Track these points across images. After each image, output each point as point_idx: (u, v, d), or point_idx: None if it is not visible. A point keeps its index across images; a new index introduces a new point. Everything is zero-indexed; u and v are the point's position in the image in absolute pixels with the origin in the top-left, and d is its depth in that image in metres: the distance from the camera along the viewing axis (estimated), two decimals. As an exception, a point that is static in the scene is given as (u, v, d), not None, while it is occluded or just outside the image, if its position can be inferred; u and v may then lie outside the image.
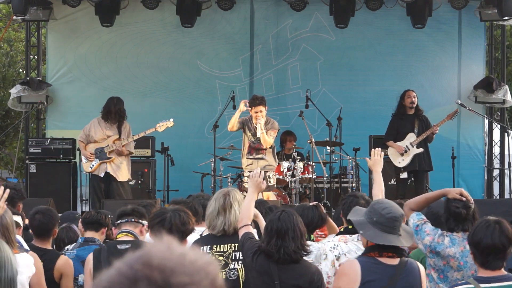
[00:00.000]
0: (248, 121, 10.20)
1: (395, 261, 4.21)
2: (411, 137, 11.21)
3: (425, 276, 4.37)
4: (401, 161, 11.21)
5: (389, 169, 12.11)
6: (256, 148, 10.20)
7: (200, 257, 1.60)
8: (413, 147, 11.18)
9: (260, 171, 5.09)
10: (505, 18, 12.25)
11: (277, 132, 10.36)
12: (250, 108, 10.05)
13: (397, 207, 4.31)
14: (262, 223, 5.33)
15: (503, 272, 4.02)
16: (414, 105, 11.23)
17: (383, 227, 4.19)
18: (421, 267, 4.34)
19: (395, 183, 11.90)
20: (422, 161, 11.21)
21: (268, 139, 10.04)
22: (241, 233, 4.83)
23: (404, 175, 11.26)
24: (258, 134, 9.93)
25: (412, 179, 11.40)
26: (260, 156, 10.22)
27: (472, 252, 4.05)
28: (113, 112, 10.55)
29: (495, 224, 4.05)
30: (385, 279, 4.16)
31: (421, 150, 11.14)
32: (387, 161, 12.19)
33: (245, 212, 4.90)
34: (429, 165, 11.28)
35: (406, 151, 11.20)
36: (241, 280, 5.04)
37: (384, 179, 12.93)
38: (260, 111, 9.91)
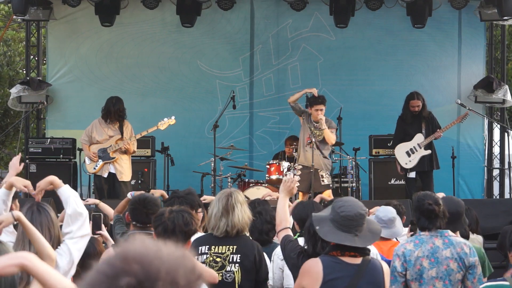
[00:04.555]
0: (309, 115, 10.62)
1: (358, 260, 4.19)
2: (419, 138, 11.19)
3: (389, 275, 4.35)
4: (408, 163, 11.17)
5: (388, 170, 12.13)
6: (315, 142, 10.49)
7: (175, 249, 1.66)
8: (420, 148, 11.14)
9: (294, 176, 5.08)
10: (505, 18, 12.24)
11: (335, 132, 10.67)
12: (310, 108, 10.57)
13: (356, 207, 4.22)
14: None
15: None
16: (417, 113, 11.20)
17: (338, 225, 4.17)
18: (385, 266, 4.32)
19: (395, 182, 11.93)
20: (429, 162, 11.19)
21: (331, 135, 10.46)
22: (280, 236, 4.85)
23: (412, 174, 11.23)
24: (323, 128, 10.39)
25: (418, 178, 11.36)
26: (318, 152, 10.49)
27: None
28: (113, 112, 10.56)
29: None
30: (347, 279, 4.14)
31: (428, 152, 11.12)
32: (388, 161, 12.24)
33: (282, 216, 4.91)
34: (432, 164, 11.25)
35: (412, 153, 11.16)
36: (236, 282, 5.05)
37: (385, 179, 12.97)
38: (321, 110, 10.45)
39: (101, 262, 1.63)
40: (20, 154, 5.17)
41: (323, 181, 10.47)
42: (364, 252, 4.23)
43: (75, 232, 4.31)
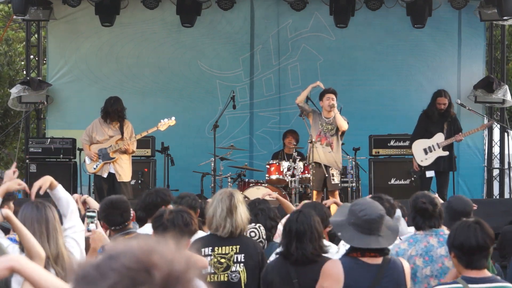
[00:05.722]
0: (318, 113, 10.62)
1: (378, 260, 4.18)
2: (439, 137, 10.93)
3: (410, 273, 4.36)
4: (424, 160, 10.94)
5: (388, 170, 12.13)
6: (326, 138, 10.50)
7: (176, 244, 1.64)
8: (439, 148, 10.95)
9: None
10: (505, 18, 12.26)
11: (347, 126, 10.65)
12: (321, 100, 10.58)
13: (376, 208, 4.21)
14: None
15: (488, 273, 4.04)
16: (443, 111, 11.00)
17: (361, 229, 4.15)
18: (405, 264, 4.33)
19: (395, 182, 11.89)
20: (448, 163, 11.01)
21: (343, 120, 10.47)
22: None
23: (429, 174, 11.00)
24: (332, 115, 10.47)
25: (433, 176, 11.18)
26: (328, 149, 10.48)
27: (455, 255, 4.04)
28: (111, 112, 10.55)
29: (475, 225, 4.07)
30: (369, 279, 4.14)
31: (446, 153, 10.84)
32: (388, 161, 12.23)
33: None
34: (449, 165, 11.09)
35: (430, 151, 10.98)
36: (243, 282, 5.06)
37: (385, 179, 12.93)
38: (332, 99, 10.48)
39: (121, 263, 1.57)
40: (15, 163, 5.16)
41: (333, 179, 10.42)
42: (384, 251, 4.23)
43: (78, 226, 4.49)
